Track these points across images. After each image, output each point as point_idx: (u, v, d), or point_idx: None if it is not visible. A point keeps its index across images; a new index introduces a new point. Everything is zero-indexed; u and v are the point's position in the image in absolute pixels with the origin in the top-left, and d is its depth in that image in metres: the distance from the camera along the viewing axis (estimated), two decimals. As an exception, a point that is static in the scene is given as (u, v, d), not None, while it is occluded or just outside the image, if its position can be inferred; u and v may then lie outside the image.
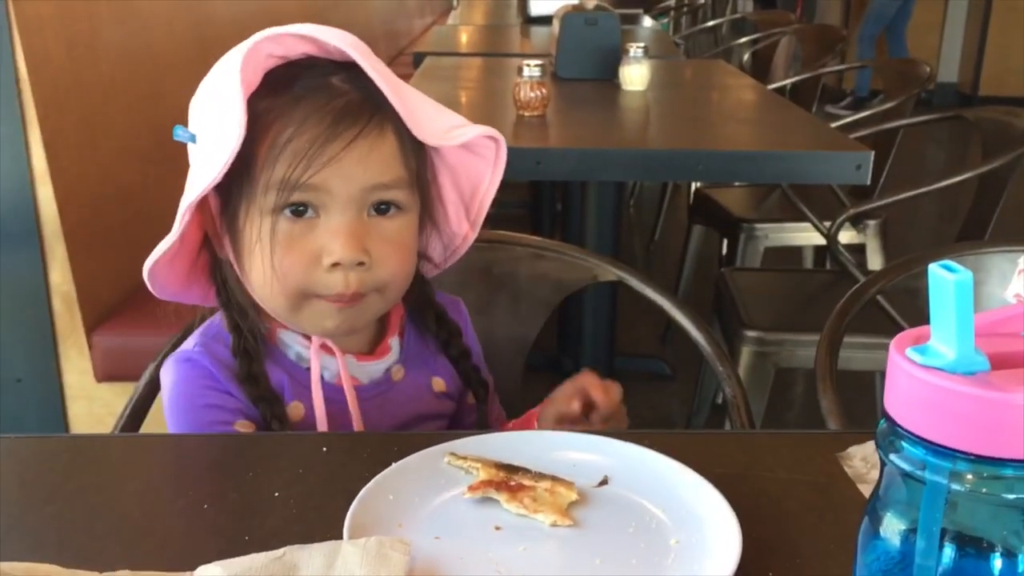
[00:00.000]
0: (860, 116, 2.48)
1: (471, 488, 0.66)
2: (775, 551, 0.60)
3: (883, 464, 0.41)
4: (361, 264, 0.79)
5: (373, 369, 0.89)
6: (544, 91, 1.94)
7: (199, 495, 0.68)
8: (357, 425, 0.86)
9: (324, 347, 0.86)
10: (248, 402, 0.84)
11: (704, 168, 1.66)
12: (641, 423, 2.58)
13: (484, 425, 0.96)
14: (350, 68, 0.79)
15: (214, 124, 0.78)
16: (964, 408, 0.37)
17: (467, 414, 0.96)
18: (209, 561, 0.57)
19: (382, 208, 0.81)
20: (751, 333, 1.83)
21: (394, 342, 0.91)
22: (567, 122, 2.02)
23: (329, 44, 0.78)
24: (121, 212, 1.83)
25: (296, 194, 0.78)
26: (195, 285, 0.88)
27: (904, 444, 0.39)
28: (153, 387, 1.03)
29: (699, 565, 0.58)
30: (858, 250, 2.36)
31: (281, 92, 0.79)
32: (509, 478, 0.66)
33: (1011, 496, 0.37)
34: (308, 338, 0.87)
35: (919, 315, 0.39)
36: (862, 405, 2.02)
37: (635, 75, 2.30)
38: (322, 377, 0.86)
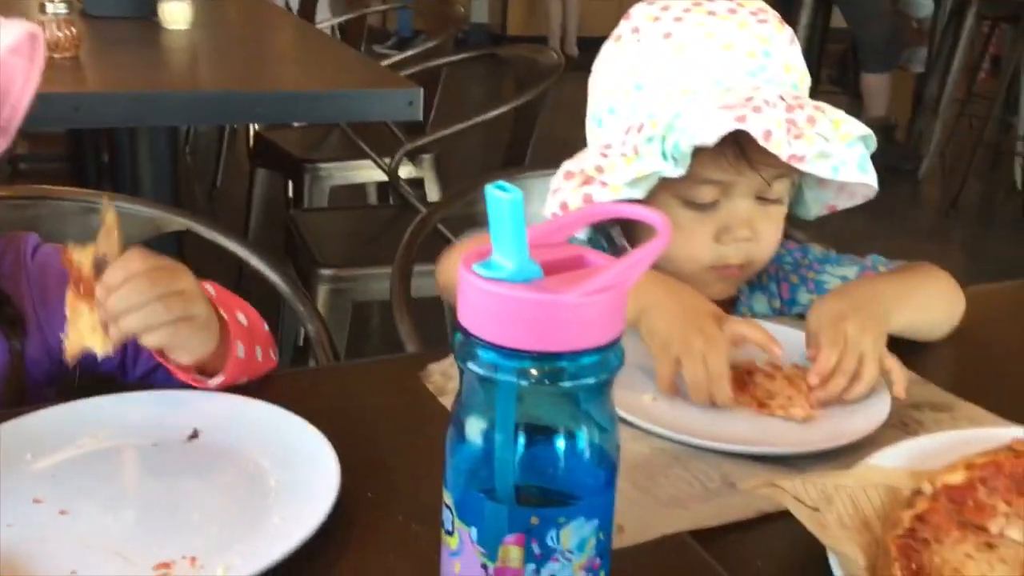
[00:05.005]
0: (406, 55, 2.58)
1: None
2: (372, 473, 0.63)
3: (462, 373, 0.44)
4: None
5: None
6: (74, 30, 1.76)
7: None
8: None
9: None
10: None
11: (263, 110, 1.63)
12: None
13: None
14: None
15: None
16: (525, 312, 0.41)
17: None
18: None
19: None
20: (326, 271, 1.85)
21: None
22: (106, 64, 1.86)
23: None
24: None
25: None
26: None
27: (478, 351, 0.43)
28: None
29: (302, 500, 0.59)
30: (417, 184, 2.48)
31: None
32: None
33: (568, 384, 0.43)
34: None
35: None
36: (435, 328, 2.15)
37: (177, 13, 2.18)
38: None
